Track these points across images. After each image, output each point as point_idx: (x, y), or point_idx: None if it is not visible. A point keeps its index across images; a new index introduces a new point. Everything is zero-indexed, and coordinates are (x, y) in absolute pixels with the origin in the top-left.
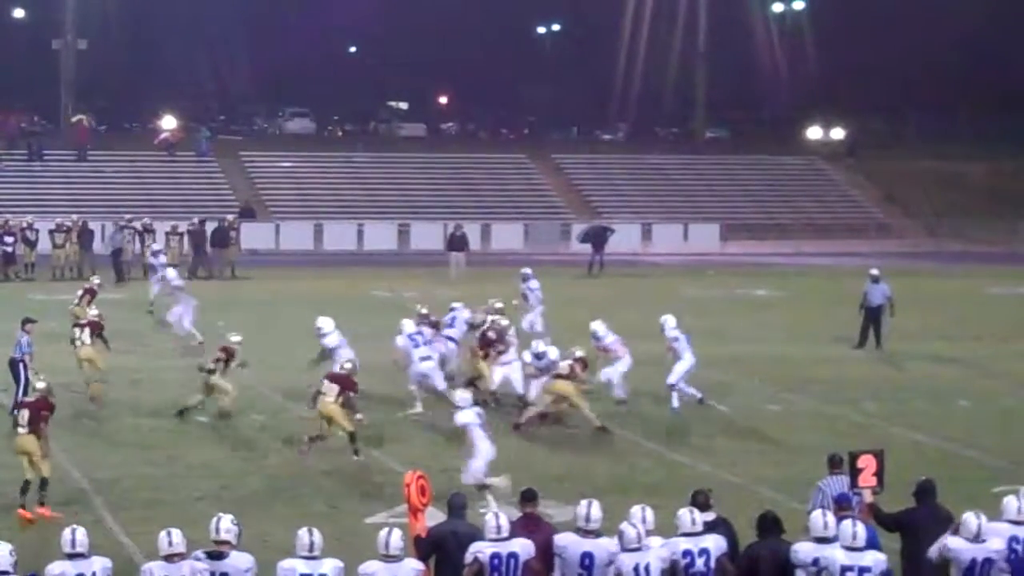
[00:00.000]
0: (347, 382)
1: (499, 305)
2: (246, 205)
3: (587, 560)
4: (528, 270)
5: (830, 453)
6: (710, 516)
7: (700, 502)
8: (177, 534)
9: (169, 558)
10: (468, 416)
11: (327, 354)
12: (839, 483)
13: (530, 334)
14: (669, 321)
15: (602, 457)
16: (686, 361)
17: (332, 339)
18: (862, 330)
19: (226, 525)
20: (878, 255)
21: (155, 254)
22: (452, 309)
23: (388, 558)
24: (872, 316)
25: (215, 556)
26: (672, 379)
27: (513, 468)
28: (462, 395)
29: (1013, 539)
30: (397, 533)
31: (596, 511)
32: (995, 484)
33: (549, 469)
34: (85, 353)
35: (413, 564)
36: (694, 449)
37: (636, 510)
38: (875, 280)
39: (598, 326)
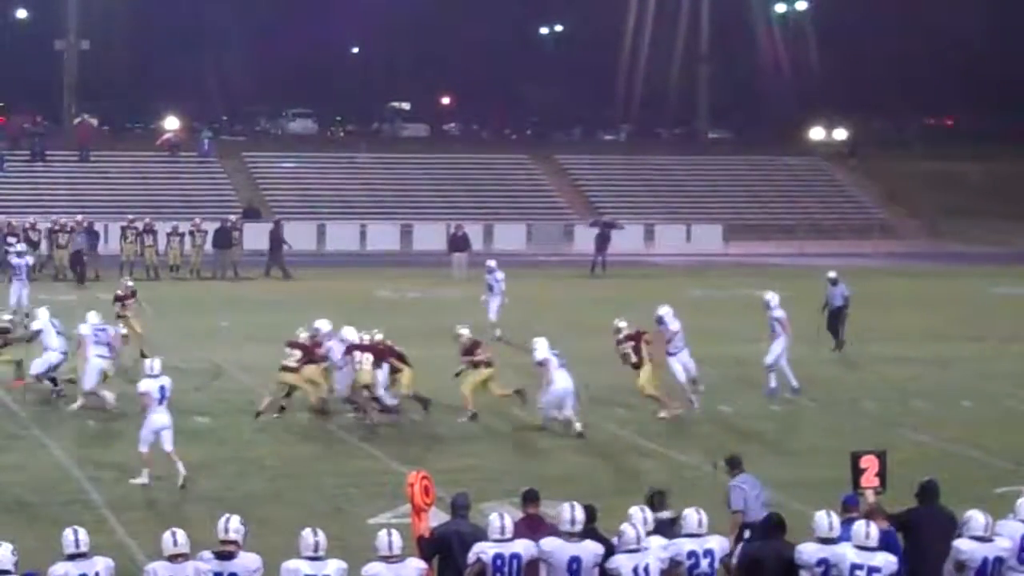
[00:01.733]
0: (310, 349)
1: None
2: (250, 205)
3: (574, 564)
4: (493, 262)
5: (728, 455)
6: (666, 514)
7: (655, 504)
8: (181, 534)
9: (173, 558)
10: (148, 384)
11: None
12: (751, 480)
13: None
14: (773, 299)
15: (604, 458)
16: (781, 343)
17: (40, 323)
18: (833, 332)
19: (235, 525)
20: (880, 255)
21: (20, 255)
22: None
23: (390, 559)
24: (835, 316)
25: (224, 556)
26: (769, 359)
27: (514, 469)
28: (151, 363)
29: None
30: (396, 533)
31: (580, 514)
32: (998, 485)
33: (551, 470)
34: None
35: (416, 563)
36: (696, 450)
37: (635, 511)
38: (833, 282)
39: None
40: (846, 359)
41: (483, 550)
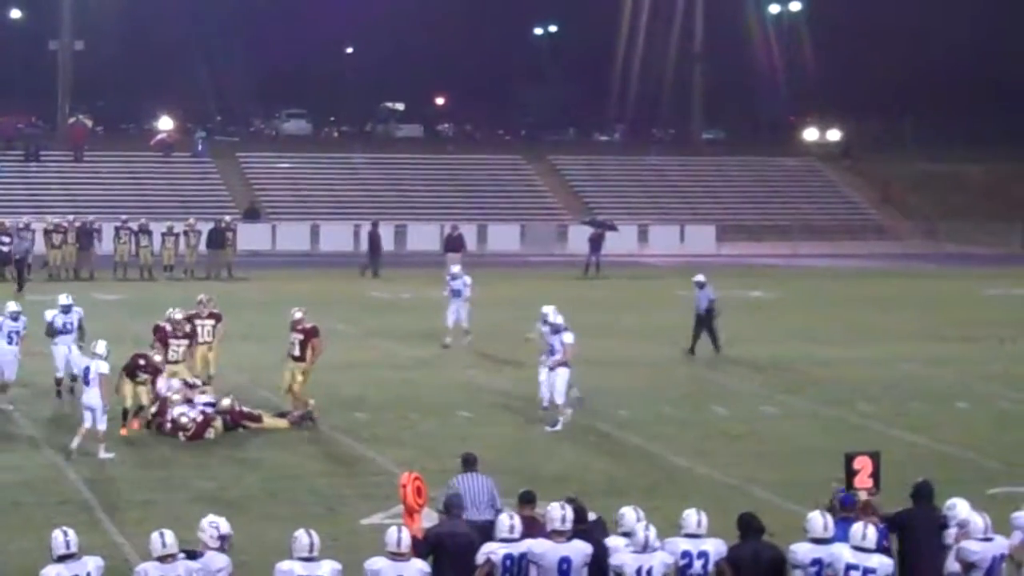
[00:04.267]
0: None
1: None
2: (251, 206)
3: (564, 565)
4: (457, 268)
5: (464, 453)
6: (593, 516)
7: (577, 506)
8: (170, 535)
9: (163, 559)
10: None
11: None
12: (472, 480)
13: (453, 328)
14: (551, 312)
15: (599, 459)
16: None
17: None
18: (693, 336)
19: (202, 524)
20: (874, 256)
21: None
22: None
23: (397, 556)
24: (702, 322)
25: (190, 555)
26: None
27: (509, 469)
28: (95, 344)
29: None
30: (407, 532)
31: (570, 513)
32: (991, 486)
33: (546, 470)
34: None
35: (420, 565)
36: (691, 451)
37: (628, 510)
38: (700, 286)
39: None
40: (841, 361)
41: (493, 550)
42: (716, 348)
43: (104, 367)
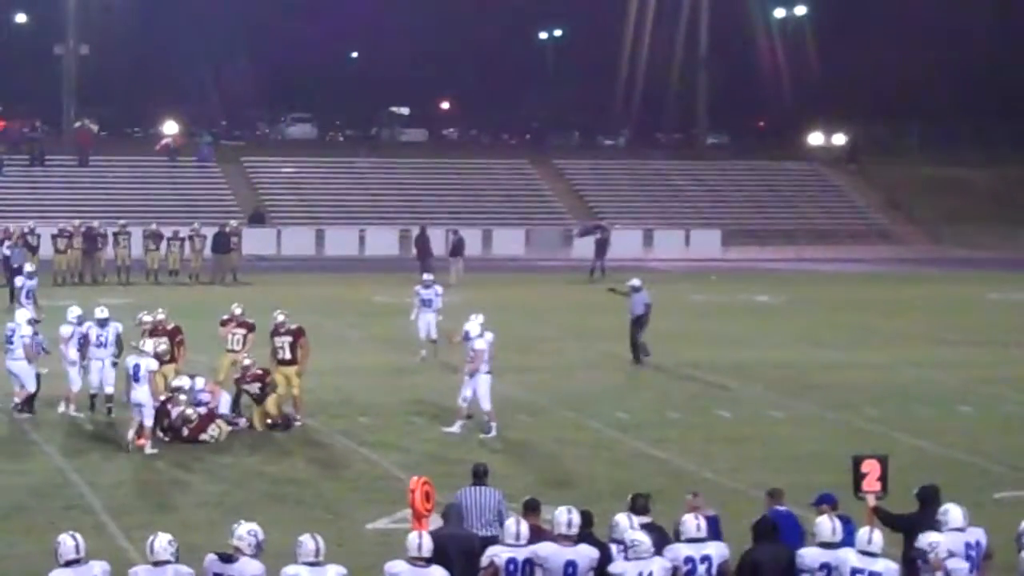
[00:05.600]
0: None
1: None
2: (256, 211)
3: (570, 568)
4: (430, 276)
5: (475, 465)
6: (646, 520)
7: (640, 506)
8: (159, 542)
9: (155, 564)
10: (129, 360)
11: None
12: (479, 493)
13: (426, 340)
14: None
15: (604, 463)
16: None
17: None
18: (633, 343)
19: (240, 532)
20: (880, 261)
21: (30, 276)
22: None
23: (417, 561)
24: (636, 326)
25: (225, 558)
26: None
27: (513, 474)
28: (143, 341)
29: None
30: (428, 538)
31: (576, 517)
32: (997, 490)
33: (550, 475)
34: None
35: (440, 572)
36: (696, 455)
37: (622, 517)
38: (636, 290)
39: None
40: (847, 365)
41: (496, 554)
42: (646, 355)
43: (153, 364)
